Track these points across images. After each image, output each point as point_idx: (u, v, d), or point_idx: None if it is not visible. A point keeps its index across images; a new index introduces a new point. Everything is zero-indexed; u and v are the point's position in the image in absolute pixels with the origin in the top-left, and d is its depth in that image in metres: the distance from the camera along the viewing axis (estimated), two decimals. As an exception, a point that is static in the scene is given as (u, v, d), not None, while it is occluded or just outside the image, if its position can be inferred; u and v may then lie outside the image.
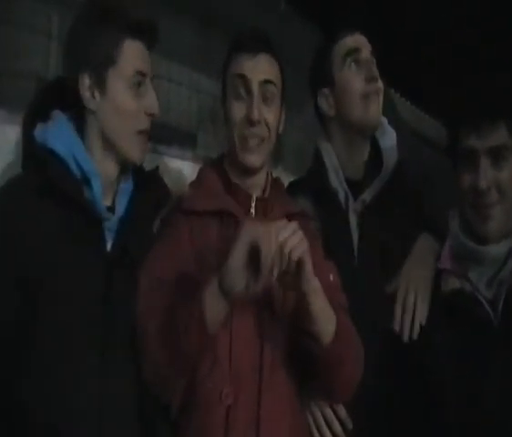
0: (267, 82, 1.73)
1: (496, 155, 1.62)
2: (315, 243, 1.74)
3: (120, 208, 1.71)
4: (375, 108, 2.01)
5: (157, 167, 1.84)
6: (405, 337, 1.72)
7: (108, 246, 1.66)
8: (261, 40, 1.76)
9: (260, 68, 1.73)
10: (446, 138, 1.73)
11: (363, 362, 1.67)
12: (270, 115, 1.73)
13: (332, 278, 1.74)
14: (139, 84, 1.70)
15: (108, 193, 1.72)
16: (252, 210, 1.74)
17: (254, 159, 1.73)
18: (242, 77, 1.73)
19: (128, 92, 1.69)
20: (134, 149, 1.71)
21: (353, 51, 2.01)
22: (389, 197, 2.00)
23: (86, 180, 1.67)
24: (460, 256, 1.67)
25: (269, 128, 1.73)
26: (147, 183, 1.79)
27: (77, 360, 1.57)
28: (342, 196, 2.02)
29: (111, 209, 1.71)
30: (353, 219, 2.00)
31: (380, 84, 2.02)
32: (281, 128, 1.82)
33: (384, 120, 2.12)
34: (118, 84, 1.68)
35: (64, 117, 1.71)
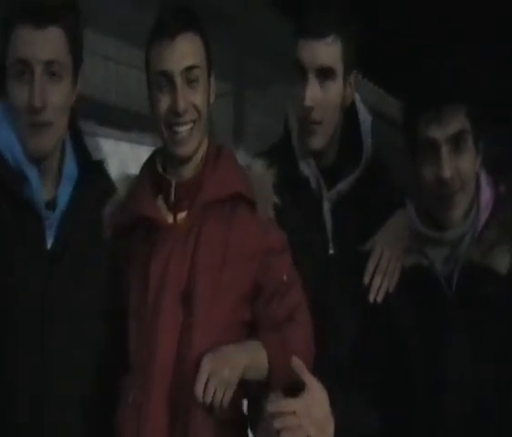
0: (189, 68, 1.67)
1: (457, 141, 1.60)
2: (265, 238, 1.72)
3: (63, 199, 1.69)
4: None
5: (103, 159, 1.82)
6: (372, 296, 1.73)
7: (49, 243, 1.65)
8: (179, 19, 1.68)
9: (179, 55, 1.65)
10: (403, 129, 1.68)
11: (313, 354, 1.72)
12: (197, 97, 1.68)
13: (285, 277, 1.73)
14: (23, 73, 1.60)
15: (51, 182, 1.70)
16: (172, 197, 1.71)
17: (185, 150, 1.70)
18: (163, 72, 1.67)
19: (13, 83, 1.62)
20: (27, 143, 1.64)
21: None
22: (366, 185, 1.93)
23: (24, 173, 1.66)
24: (419, 237, 1.70)
25: (198, 110, 1.68)
26: (91, 174, 1.77)
27: (18, 361, 1.59)
28: (313, 183, 1.93)
29: (53, 203, 1.68)
30: (326, 208, 1.93)
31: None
32: (212, 99, 1.77)
33: (358, 97, 2.02)
34: (9, 76, 1.64)
35: (2, 106, 1.68)
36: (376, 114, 2.11)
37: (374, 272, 1.76)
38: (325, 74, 1.85)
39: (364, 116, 2.00)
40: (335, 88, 1.87)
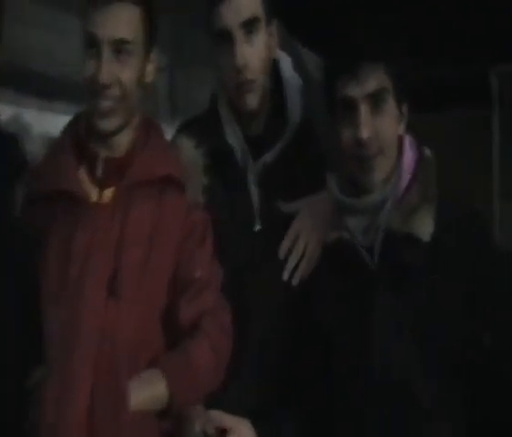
0: (120, 41, 1.63)
1: (376, 100, 1.60)
2: (189, 222, 1.70)
3: None
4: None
5: (15, 134, 1.75)
6: (285, 275, 1.77)
7: None
8: None
9: (111, 24, 1.62)
10: (324, 91, 1.68)
11: (222, 370, 1.72)
12: (124, 73, 1.65)
13: (198, 274, 1.70)
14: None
15: None
16: (99, 172, 1.67)
17: (107, 124, 1.67)
18: (92, 35, 1.63)
19: None
20: None
21: None
22: (293, 155, 1.91)
23: None
24: (339, 209, 1.70)
25: (123, 87, 1.65)
26: (3, 149, 1.70)
27: None
28: (238, 154, 1.91)
29: None
30: (251, 180, 1.91)
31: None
32: (150, 79, 1.74)
33: (287, 63, 2.00)
34: None
35: None
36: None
37: (290, 250, 1.77)
38: (250, 26, 1.85)
39: (291, 78, 1.99)
40: (261, 39, 1.87)
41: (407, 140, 1.71)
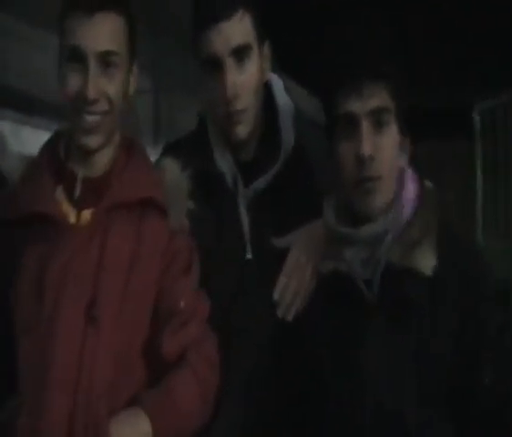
0: (106, 53, 1.54)
1: (378, 119, 1.55)
2: (172, 248, 1.59)
3: None
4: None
5: None
6: (279, 313, 1.68)
7: None
8: None
9: (97, 36, 1.53)
10: (323, 109, 1.62)
11: (208, 407, 1.61)
12: (111, 86, 1.55)
13: (182, 304, 1.58)
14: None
15: None
16: (77, 192, 1.57)
17: (92, 141, 1.56)
18: (75, 48, 1.53)
19: None
20: None
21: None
22: (286, 182, 1.81)
23: None
24: (335, 239, 1.63)
25: (110, 102, 1.56)
26: None
27: None
28: (229, 179, 1.81)
29: None
30: (242, 207, 1.80)
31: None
32: (131, 90, 1.64)
33: (279, 85, 1.90)
34: None
35: None
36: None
37: (285, 289, 1.68)
38: (241, 54, 1.74)
39: (283, 101, 1.88)
40: (254, 65, 1.76)
41: (409, 173, 1.66)
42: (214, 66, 1.74)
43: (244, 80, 1.75)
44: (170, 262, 1.59)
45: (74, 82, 1.53)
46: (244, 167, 1.81)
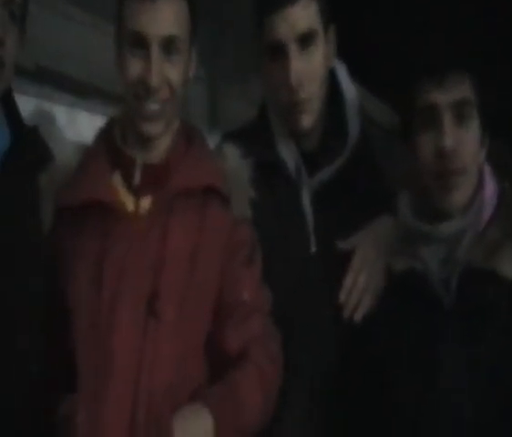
0: (170, 38, 1.48)
1: (461, 111, 1.50)
2: (235, 238, 1.52)
3: None
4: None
5: (36, 125, 1.60)
6: (346, 313, 1.62)
7: None
8: None
9: (160, 22, 1.46)
10: (398, 103, 1.57)
11: (271, 404, 1.53)
12: (173, 72, 1.48)
13: (245, 296, 1.51)
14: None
15: None
16: (137, 179, 1.50)
17: (153, 128, 1.50)
18: (138, 34, 1.47)
19: None
20: None
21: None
22: (351, 173, 1.73)
23: None
24: (411, 236, 1.56)
25: (173, 88, 1.49)
26: (25, 142, 1.56)
27: None
28: (292, 169, 1.73)
29: None
30: (306, 198, 1.72)
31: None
32: (191, 74, 1.57)
33: (343, 71, 1.82)
34: None
35: None
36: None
37: (352, 288, 1.62)
38: (306, 40, 1.67)
39: (348, 87, 1.80)
40: (319, 52, 1.69)
41: (487, 170, 1.59)
42: (278, 52, 1.68)
43: (309, 67, 1.68)
44: (233, 253, 1.53)
45: (136, 68, 1.47)
46: (308, 157, 1.74)
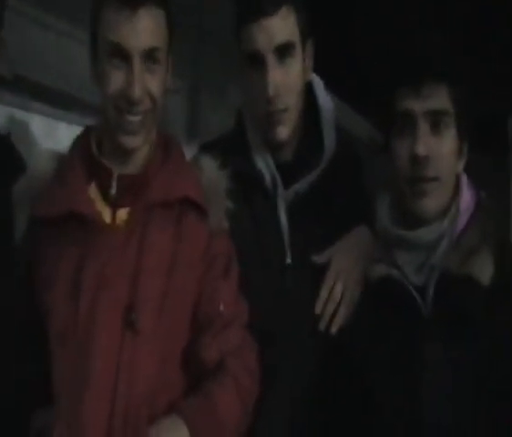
0: (151, 50, 1.47)
1: (436, 120, 1.52)
2: (211, 250, 1.53)
3: None
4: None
5: (8, 133, 1.62)
6: (322, 325, 1.63)
7: None
8: None
9: (141, 33, 1.45)
10: (380, 107, 1.59)
11: (247, 415, 1.54)
12: (154, 83, 1.49)
13: (222, 308, 1.52)
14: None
15: None
16: (113, 190, 1.49)
17: (134, 141, 1.50)
18: (118, 45, 1.46)
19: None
20: None
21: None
22: (328, 184, 1.75)
23: None
24: (388, 241, 1.58)
25: (154, 99, 1.49)
26: None
27: None
28: (268, 180, 1.74)
29: None
30: (281, 209, 1.73)
31: None
32: (168, 84, 1.57)
33: (320, 85, 1.83)
34: None
35: None
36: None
37: (327, 299, 1.62)
38: (284, 52, 1.68)
39: (325, 101, 1.82)
40: (296, 63, 1.70)
41: (465, 180, 1.62)
42: (256, 62, 1.69)
43: (286, 79, 1.69)
44: (210, 265, 1.53)
45: (117, 80, 1.46)
46: (284, 169, 1.74)
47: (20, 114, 1.93)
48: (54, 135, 2.06)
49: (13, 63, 2.04)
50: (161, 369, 1.45)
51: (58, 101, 2.28)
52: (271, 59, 1.67)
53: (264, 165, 1.75)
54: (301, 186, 1.74)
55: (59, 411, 1.42)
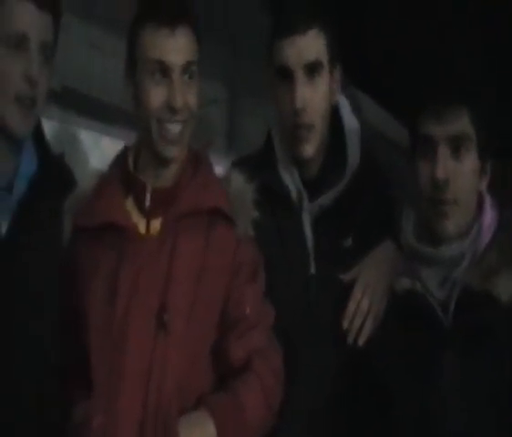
0: (188, 64, 1.60)
1: (457, 144, 1.56)
2: (239, 256, 1.62)
3: (19, 190, 1.62)
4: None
5: (62, 153, 1.74)
6: (350, 339, 1.69)
7: (3, 229, 1.57)
8: (176, 6, 1.61)
9: (180, 49, 1.59)
10: (405, 128, 1.65)
11: (272, 415, 1.63)
12: (191, 96, 1.61)
13: (248, 311, 1.61)
14: (18, 45, 1.59)
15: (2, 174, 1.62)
16: (147, 202, 1.61)
17: (174, 151, 1.61)
18: (161, 63, 1.59)
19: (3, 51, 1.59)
20: (11, 116, 1.60)
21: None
22: (351, 199, 1.81)
23: None
24: (412, 256, 1.63)
25: (191, 110, 1.61)
26: (49, 168, 1.68)
27: None
28: (294, 195, 1.82)
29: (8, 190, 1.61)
30: (306, 223, 1.81)
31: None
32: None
33: (345, 103, 1.91)
34: None
35: None
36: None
37: (355, 313, 1.68)
38: (312, 70, 1.77)
39: (350, 121, 1.89)
40: (324, 83, 1.79)
41: (488, 199, 1.65)
42: (286, 76, 1.77)
43: (314, 96, 1.77)
44: (237, 270, 1.62)
45: (159, 94, 1.58)
46: (309, 184, 1.82)
47: (68, 127, 2.01)
48: (100, 147, 2.15)
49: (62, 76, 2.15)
50: (190, 367, 1.55)
51: (105, 115, 2.37)
52: (300, 75, 1.76)
53: (291, 180, 1.83)
54: (324, 200, 1.81)
55: (96, 404, 1.53)
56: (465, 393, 1.51)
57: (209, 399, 1.57)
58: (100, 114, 2.25)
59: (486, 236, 1.60)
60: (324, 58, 1.79)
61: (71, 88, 2.24)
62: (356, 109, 1.99)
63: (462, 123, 1.56)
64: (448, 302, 1.56)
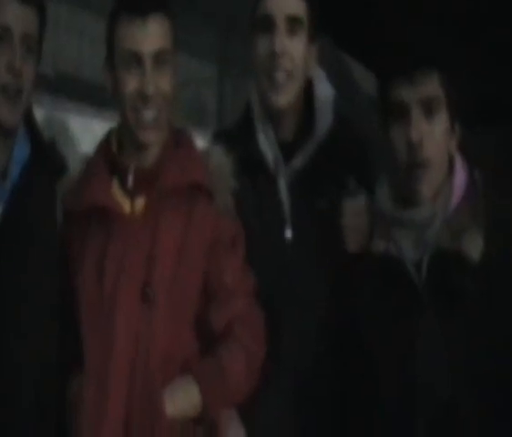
0: (160, 51, 1.66)
1: (429, 107, 1.60)
2: (218, 228, 1.69)
3: (13, 176, 1.67)
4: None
5: (53, 138, 1.80)
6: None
7: None
8: None
9: (152, 38, 1.65)
10: (378, 95, 1.68)
11: (255, 378, 1.69)
12: (164, 82, 1.67)
13: (228, 280, 1.69)
14: (1, 38, 1.63)
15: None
16: (130, 183, 1.68)
17: (150, 136, 1.68)
18: (133, 52, 1.65)
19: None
20: None
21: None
22: (325, 160, 1.86)
23: None
24: (386, 219, 1.67)
25: (165, 96, 1.67)
26: (42, 154, 1.74)
27: None
28: (270, 159, 1.87)
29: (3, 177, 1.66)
30: (283, 188, 1.86)
31: None
32: (175, 82, 1.73)
33: (321, 74, 1.97)
34: None
35: None
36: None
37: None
38: (293, 23, 1.82)
39: (323, 89, 1.93)
40: (302, 39, 1.84)
41: (459, 160, 1.69)
42: (267, 26, 1.83)
43: (294, 46, 1.82)
44: (216, 241, 1.69)
45: (132, 82, 1.64)
46: (285, 148, 1.87)
47: (58, 113, 2.03)
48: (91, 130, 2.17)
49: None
50: (174, 335, 1.63)
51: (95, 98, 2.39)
52: (281, 24, 1.81)
53: (267, 144, 1.87)
54: (297, 162, 1.86)
55: (88, 376, 1.62)
56: (439, 350, 1.56)
57: (193, 366, 1.65)
58: (91, 97, 2.28)
59: (457, 196, 1.64)
60: (305, 20, 1.84)
61: (63, 73, 2.26)
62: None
63: (433, 87, 1.60)
64: (420, 263, 1.60)
